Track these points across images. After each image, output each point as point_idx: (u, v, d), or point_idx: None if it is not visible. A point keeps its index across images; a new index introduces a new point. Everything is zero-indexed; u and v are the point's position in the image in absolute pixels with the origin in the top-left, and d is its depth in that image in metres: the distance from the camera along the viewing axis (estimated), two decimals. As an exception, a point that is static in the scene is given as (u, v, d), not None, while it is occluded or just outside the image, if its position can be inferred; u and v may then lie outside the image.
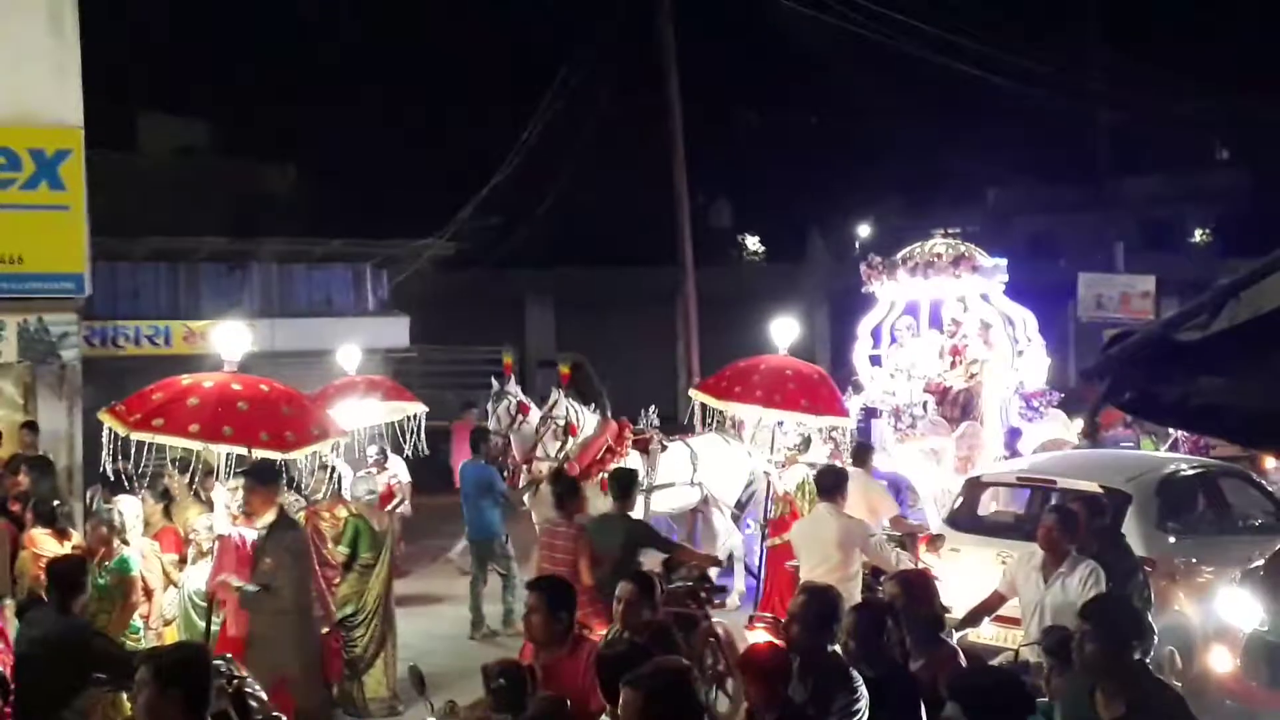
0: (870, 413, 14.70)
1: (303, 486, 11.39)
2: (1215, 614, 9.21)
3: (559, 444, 12.86)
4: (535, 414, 13.19)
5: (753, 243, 41.83)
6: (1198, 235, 37.03)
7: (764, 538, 11.66)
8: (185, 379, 9.89)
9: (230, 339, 10.22)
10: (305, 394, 11.18)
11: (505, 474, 13.39)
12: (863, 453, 12.49)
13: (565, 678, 6.03)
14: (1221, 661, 8.81)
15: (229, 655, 8.61)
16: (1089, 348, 23.36)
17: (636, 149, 25.71)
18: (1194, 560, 9.97)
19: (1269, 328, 3.91)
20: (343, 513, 10.96)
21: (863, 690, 5.80)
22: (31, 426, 15.01)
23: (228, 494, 10.11)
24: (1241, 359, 4.06)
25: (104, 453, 9.26)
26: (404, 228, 23.16)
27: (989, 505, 11.80)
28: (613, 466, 12.64)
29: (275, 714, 8.07)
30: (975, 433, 14.24)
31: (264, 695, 7.63)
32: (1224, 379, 4.16)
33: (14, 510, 10.53)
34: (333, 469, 11.64)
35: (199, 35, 25.48)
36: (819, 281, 31.66)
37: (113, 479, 10.08)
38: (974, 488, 11.59)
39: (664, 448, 13.25)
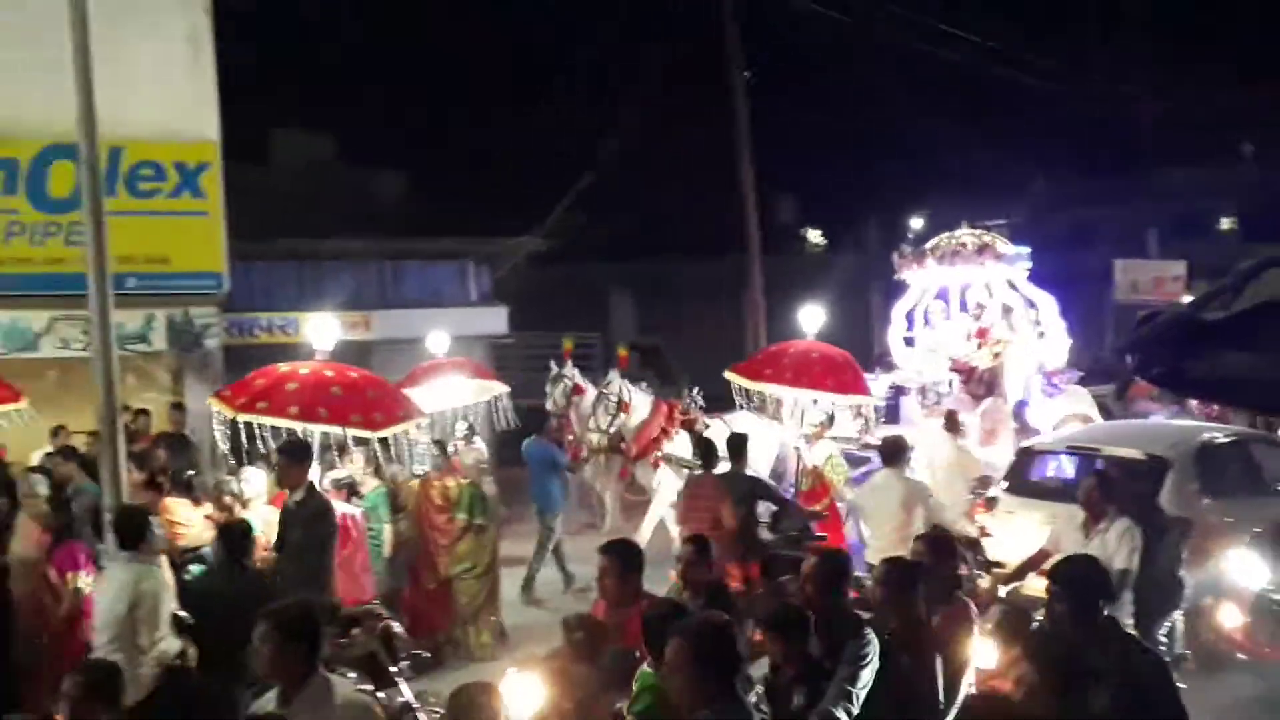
0: (899, 390, 14.58)
1: (406, 460, 11.57)
2: (1226, 575, 9.05)
3: (610, 418, 12.80)
4: (591, 393, 13.17)
5: (814, 235, 41.57)
6: (1224, 224, 36.40)
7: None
8: (283, 366, 10.10)
9: (321, 331, 10.36)
10: (387, 378, 11.40)
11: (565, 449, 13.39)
12: (953, 420, 12.51)
13: (634, 633, 5.96)
14: (1232, 618, 8.67)
15: (376, 601, 8.87)
16: (1125, 327, 22.97)
17: (707, 150, 25.63)
18: (1229, 519, 9.84)
19: None
20: (452, 482, 10.99)
21: (872, 638, 5.74)
22: (179, 407, 15.37)
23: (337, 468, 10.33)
24: (1261, 335, 4.08)
25: (216, 432, 9.51)
26: (501, 227, 23.35)
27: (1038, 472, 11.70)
28: (665, 445, 12.76)
29: (418, 651, 8.30)
30: (999, 408, 14.03)
31: (405, 634, 7.89)
32: (1245, 354, 4.16)
33: (159, 481, 10.81)
34: (440, 443, 11.81)
35: (325, 57, 25.78)
36: (875, 270, 31.43)
37: (231, 454, 10.33)
38: (1026, 455, 11.51)
39: (707, 426, 13.03)
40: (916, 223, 35.41)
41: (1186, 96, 27.79)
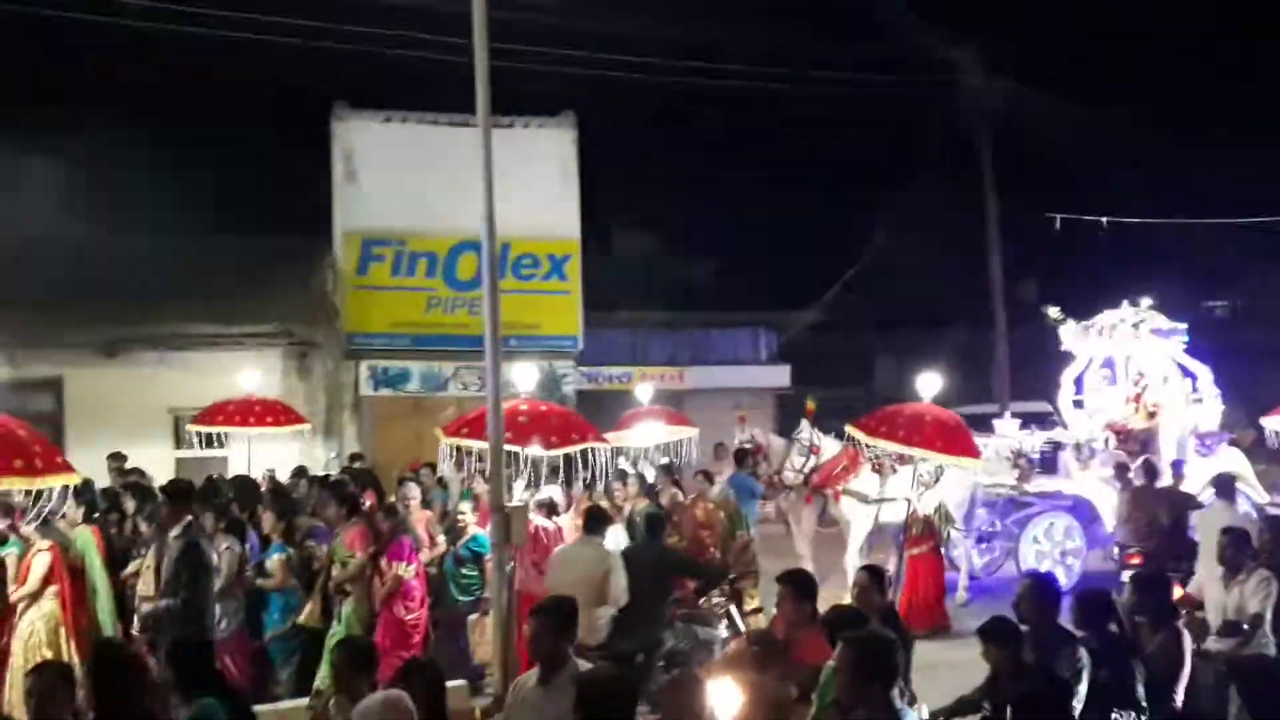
0: (1057, 445, 13.75)
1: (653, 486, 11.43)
2: None
3: (803, 460, 12.22)
4: (780, 441, 12.55)
5: (1054, 312, 39.45)
6: None
7: (902, 549, 10.91)
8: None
9: (525, 377, 10.06)
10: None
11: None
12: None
13: (809, 651, 5.64)
14: None
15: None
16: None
17: (962, 238, 24.91)
18: None
19: None
20: (710, 505, 10.79)
21: (1083, 653, 5.36)
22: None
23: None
24: None
25: (441, 459, 9.70)
26: (788, 302, 23.56)
27: None
28: (848, 481, 12.15)
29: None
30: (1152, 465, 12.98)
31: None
32: None
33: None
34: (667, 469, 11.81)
35: (653, 174, 26.71)
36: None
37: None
38: None
39: (895, 470, 12.17)
40: (1145, 302, 33.12)
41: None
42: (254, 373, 13.85)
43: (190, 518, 7.90)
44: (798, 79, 20.80)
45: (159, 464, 14.04)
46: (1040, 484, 13.31)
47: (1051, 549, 13.10)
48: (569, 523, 9.85)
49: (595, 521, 8.07)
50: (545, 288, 18.00)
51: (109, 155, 18.38)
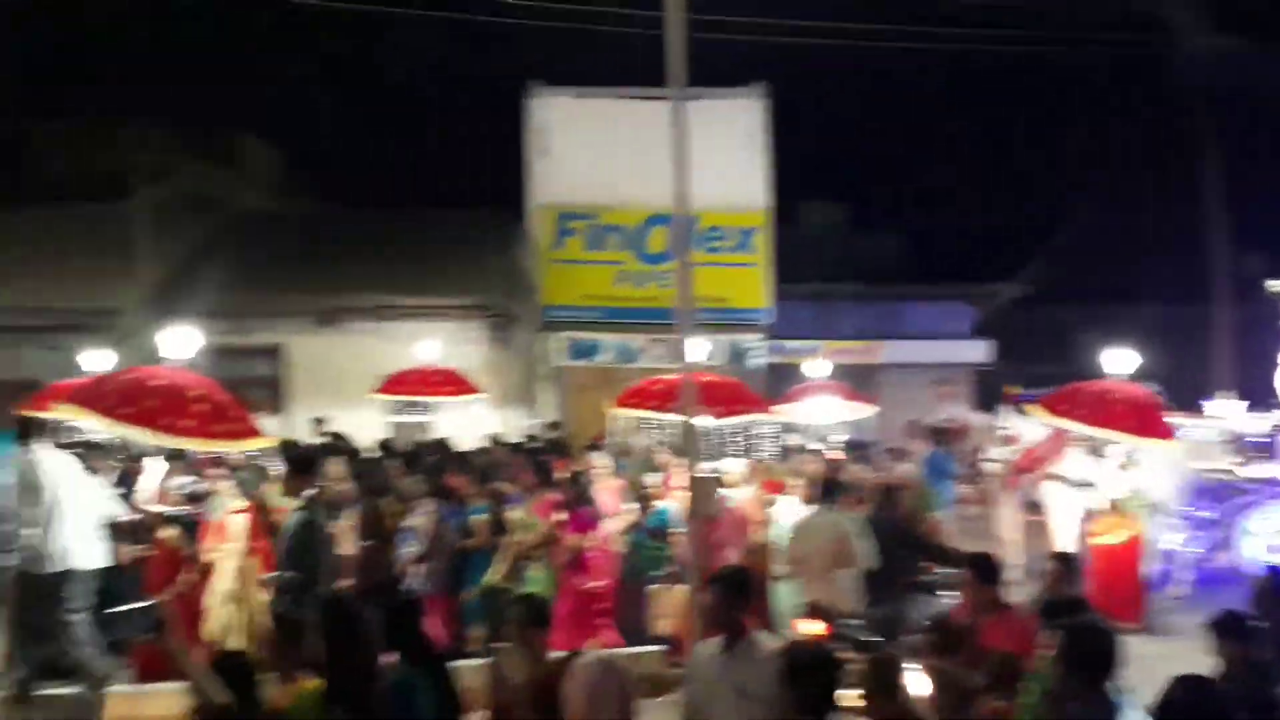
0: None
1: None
2: None
3: (1002, 448, 11.80)
4: (1029, 437, 11.90)
5: (1276, 286, 36.29)
6: None
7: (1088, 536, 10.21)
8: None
9: (699, 350, 9.82)
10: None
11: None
12: None
13: (993, 636, 5.48)
14: None
15: None
16: None
17: (1177, 208, 23.20)
18: None
19: None
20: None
21: None
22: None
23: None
24: None
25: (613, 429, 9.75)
26: (987, 275, 22.55)
27: None
28: (1051, 466, 11.21)
29: None
30: None
31: None
32: None
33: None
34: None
35: (839, 146, 26.11)
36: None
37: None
38: None
39: (1102, 455, 11.21)
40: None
41: None
42: (436, 343, 14.42)
43: (313, 490, 7.64)
44: (999, 41, 19.75)
45: (370, 428, 14.76)
46: (1260, 470, 12.25)
47: (1274, 540, 12.07)
48: (748, 494, 9.62)
49: (829, 490, 8.24)
50: (733, 260, 17.88)
51: (327, 133, 19.38)
